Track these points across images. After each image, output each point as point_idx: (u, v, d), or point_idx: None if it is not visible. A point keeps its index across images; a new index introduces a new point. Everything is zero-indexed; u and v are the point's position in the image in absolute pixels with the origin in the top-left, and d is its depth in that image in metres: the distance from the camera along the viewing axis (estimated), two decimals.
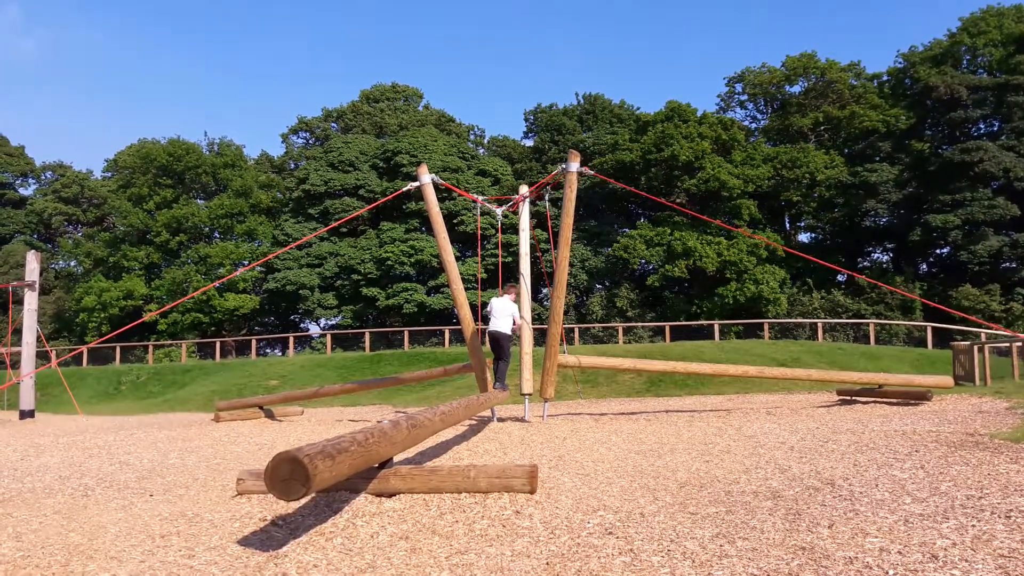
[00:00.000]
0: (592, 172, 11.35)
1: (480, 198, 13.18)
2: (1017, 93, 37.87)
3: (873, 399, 11.50)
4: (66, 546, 4.15)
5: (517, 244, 11.77)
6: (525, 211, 11.83)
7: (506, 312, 11.10)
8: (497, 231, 21.25)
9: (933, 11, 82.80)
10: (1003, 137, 38.49)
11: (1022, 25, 40.59)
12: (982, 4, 44.70)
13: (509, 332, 11.12)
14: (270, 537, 4.14)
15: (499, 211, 12.66)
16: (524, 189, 12.25)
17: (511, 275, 12.79)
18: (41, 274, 19.03)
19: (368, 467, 4.70)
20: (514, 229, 13.24)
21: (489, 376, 11.38)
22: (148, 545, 4.11)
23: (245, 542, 4.08)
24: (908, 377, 12.40)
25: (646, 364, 13.21)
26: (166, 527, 4.50)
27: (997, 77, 39.71)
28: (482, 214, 36.71)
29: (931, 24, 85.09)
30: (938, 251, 40.53)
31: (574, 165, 10.31)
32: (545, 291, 39.53)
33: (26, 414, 17.10)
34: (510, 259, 36.94)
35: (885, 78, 47.46)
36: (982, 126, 41.25)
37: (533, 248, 11.87)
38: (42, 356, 25.02)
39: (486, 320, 11.41)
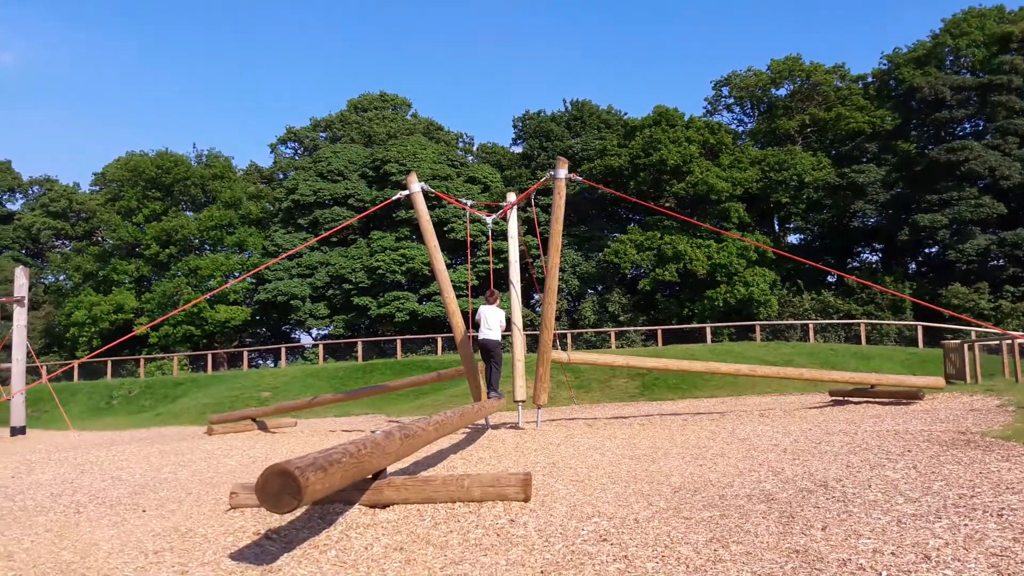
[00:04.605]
0: (581, 179, 11.38)
1: (468, 204, 13.18)
2: (1000, 93, 38.17)
3: (865, 399, 11.55)
4: (58, 564, 4.11)
5: (507, 251, 11.80)
6: (513, 218, 11.84)
7: (494, 318, 11.15)
8: (488, 238, 21.25)
9: (915, 13, 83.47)
10: (988, 136, 38.76)
11: (1004, 25, 40.95)
12: (964, 5, 45.10)
13: (498, 339, 11.16)
14: (264, 551, 4.12)
15: (489, 219, 12.68)
16: (512, 196, 12.26)
17: (502, 282, 12.84)
18: (30, 289, 18.90)
19: (361, 478, 4.68)
20: (504, 236, 13.27)
21: (482, 382, 11.38)
22: (141, 561, 4.09)
23: (239, 556, 4.06)
24: (900, 378, 12.47)
25: (638, 360, 13.26)
26: (159, 543, 4.47)
27: (980, 77, 40.04)
28: (472, 221, 36.68)
29: (914, 25, 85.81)
30: (927, 250, 40.71)
31: (562, 172, 10.33)
32: (536, 297, 39.53)
33: (17, 431, 16.99)
34: (501, 266, 36.94)
35: (870, 80, 47.76)
36: (967, 126, 41.54)
37: (523, 255, 11.88)
38: (32, 372, 24.84)
39: (477, 327, 11.46)
